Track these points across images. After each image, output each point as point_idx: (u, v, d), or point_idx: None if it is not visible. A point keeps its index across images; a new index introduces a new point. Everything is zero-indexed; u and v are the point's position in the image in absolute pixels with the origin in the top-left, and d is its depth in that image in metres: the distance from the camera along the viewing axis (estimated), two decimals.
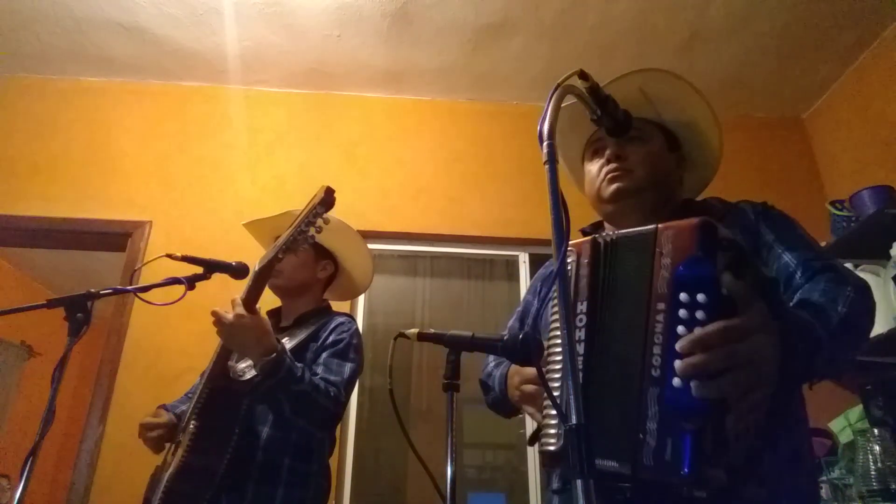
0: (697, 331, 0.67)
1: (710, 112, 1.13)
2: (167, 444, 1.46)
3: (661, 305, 0.72)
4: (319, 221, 1.30)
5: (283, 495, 1.34)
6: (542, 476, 2.36)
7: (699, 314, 0.68)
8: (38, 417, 1.13)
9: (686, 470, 0.64)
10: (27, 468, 1.11)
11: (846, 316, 0.81)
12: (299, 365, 1.35)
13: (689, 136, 1.16)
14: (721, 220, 1.00)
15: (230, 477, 1.30)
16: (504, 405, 1.11)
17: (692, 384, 0.66)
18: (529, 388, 0.94)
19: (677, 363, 0.68)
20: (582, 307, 0.82)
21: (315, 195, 1.31)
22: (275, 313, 1.71)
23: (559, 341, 0.80)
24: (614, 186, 1.07)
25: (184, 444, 1.31)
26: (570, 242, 0.86)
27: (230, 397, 1.37)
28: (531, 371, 0.93)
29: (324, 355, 1.47)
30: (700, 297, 0.69)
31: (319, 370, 1.43)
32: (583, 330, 0.81)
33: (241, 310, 1.30)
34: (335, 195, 1.31)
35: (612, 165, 1.08)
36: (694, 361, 0.66)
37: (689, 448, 0.64)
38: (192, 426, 1.32)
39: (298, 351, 1.48)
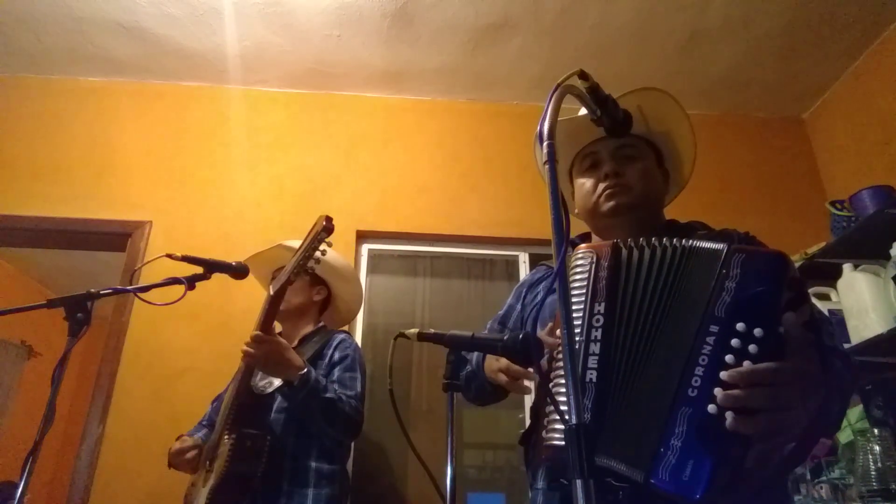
0: (747, 365, 0.67)
1: (690, 128, 1.16)
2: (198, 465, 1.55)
3: (715, 328, 0.72)
4: (323, 246, 1.41)
5: (314, 495, 1.48)
6: None
7: (752, 348, 0.68)
8: (38, 417, 1.13)
9: (699, 495, 0.65)
10: (27, 468, 1.11)
11: (852, 366, 0.85)
12: (323, 379, 1.51)
13: (670, 151, 1.18)
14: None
15: (265, 482, 1.43)
16: (475, 380, 1.13)
17: (728, 416, 0.66)
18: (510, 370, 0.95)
19: (718, 391, 0.68)
20: (599, 308, 0.81)
21: (315, 224, 1.41)
22: None
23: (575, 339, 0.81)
24: (613, 203, 1.08)
25: (222, 456, 1.41)
26: (587, 245, 0.88)
27: (257, 410, 1.53)
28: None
29: (336, 372, 1.63)
30: (757, 331, 0.68)
31: (336, 387, 1.57)
32: (599, 330, 0.80)
33: (266, 341, 1.42)
34: (333, 222, 1.42)
35: (611, 181, 1.09)
36: (738, 395, 0.67)
37: (707, 475, 0.65)
38: (227, 440, 1.43)
39: None
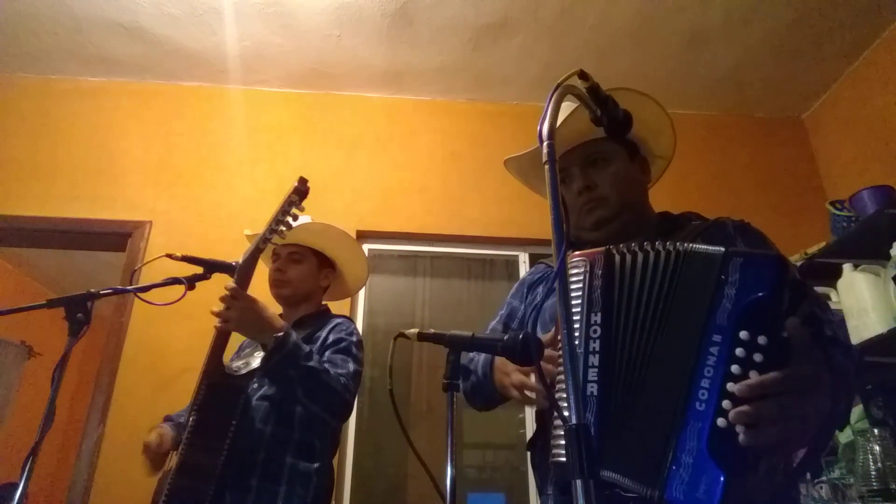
0: (755, 376, 0.66)
1: (655, 105, 1.13)
2: (171, 454, 1.45)
3: (718, 338, 0.70)
4: (294, 210, 1.31)
5: (286, 492, 1.36)
6: None
7: (757, 357, 0.67)
8: (38, 417, 1.13)
9: None
10: (27, 468, 1.11)
11: (853, 355, 0.83)
12: (306, 346, 1.38)
13: (643, 135, 1.16)
14: (701, 234, 1.00)
15: (232, 473, 1.31)
16: (483, 390, 1.09)
17: (741, 431, 0.65)
18: (521, 377, 0.93)
19: (728, 406, 0.67)
20: (596, 318, 0.80)
21: (290, 187, 1.34)
22: None
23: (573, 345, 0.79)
24: (593, 217, 1.08)
25: (183, 441, 1.32)
26: (581, 252, 0.86)
27: (227, 393, 1.37)
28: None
29: (327, 353, 1.50)
30: (762, 339, 0.67)
31: (327, 365, 1.44)
32: (597, 341, 0.79)
33: (241, 297, 1.33)
34: (308, 184, 1.34)
35: (585, 197, 1.09)
36: (748, 410, 0.65)
37: (721, 490, 0.64)
38: (190, 422, 1.32)
39: None
